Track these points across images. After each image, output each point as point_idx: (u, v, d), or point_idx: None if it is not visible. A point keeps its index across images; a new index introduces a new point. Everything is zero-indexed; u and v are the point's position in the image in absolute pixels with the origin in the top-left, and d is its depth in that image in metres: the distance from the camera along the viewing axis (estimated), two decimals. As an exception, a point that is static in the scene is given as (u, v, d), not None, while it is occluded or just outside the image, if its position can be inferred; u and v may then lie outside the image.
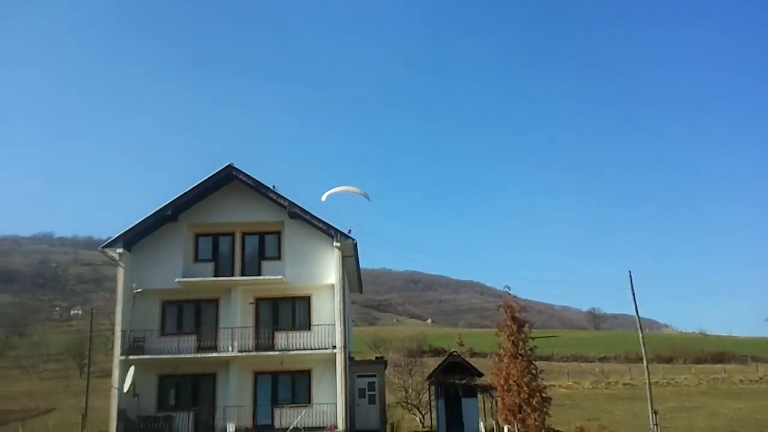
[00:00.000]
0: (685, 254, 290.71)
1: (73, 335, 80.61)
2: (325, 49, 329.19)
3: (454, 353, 35.86)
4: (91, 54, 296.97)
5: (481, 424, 25.56)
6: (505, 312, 25.11)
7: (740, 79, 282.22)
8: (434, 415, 34.98)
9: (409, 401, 38.57)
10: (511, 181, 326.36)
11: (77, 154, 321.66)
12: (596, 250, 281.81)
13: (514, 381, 23.94)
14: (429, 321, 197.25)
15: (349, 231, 29.79)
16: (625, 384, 52.05)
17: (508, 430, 25.24)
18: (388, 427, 33.72)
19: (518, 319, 24.98)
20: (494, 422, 25.30)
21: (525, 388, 23.77)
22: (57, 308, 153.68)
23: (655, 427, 33.38)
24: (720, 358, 68.25)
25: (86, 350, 52.82)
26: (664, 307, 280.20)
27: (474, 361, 71.70)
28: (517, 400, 23.70)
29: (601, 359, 70.64)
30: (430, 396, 34.74)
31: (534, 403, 23.47)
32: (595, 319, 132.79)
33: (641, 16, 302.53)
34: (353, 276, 35.93)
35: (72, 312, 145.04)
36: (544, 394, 24.23)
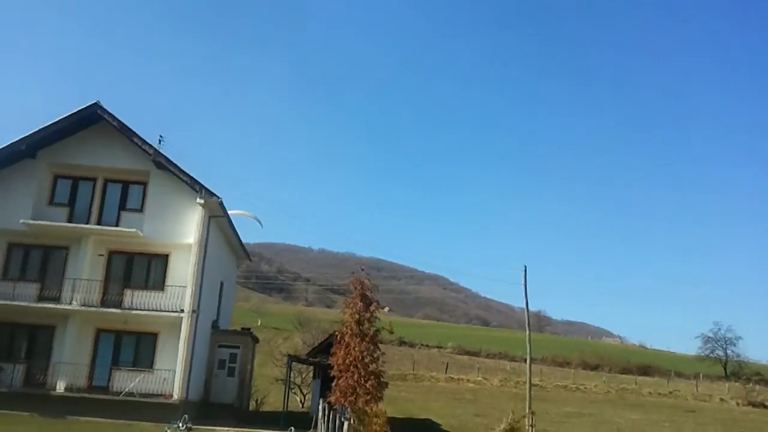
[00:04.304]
0: (651, 268, 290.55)
1: None
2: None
3: (336, 333, 33.78)
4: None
5: (320, 406, 23.66)
6: (355, 288, 23.12)
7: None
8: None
9: (292, 380, 36.60)
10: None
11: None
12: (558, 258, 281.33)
13: (351, 362, 21.98)
14: (386, 309, 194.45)
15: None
16: (534, 385, 50.49)
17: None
18: (252, 403, 31.78)
19: (367, 297, 23.02)
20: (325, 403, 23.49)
21: (362, 371, 21.82)
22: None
23: (531, 428, 31.88)
24: (645, 370, 67.62)
25: None
26: (622, 319, 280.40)
27: (400, 350, 70.31)
28: (351, 382, 21.76)
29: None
30: (288, 376, 32.82)
31: (368, 386, 21.53)
32: (540, 321, 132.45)
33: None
34: (234, 242, 33.87)
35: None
36: (382, 379, 22.34)
